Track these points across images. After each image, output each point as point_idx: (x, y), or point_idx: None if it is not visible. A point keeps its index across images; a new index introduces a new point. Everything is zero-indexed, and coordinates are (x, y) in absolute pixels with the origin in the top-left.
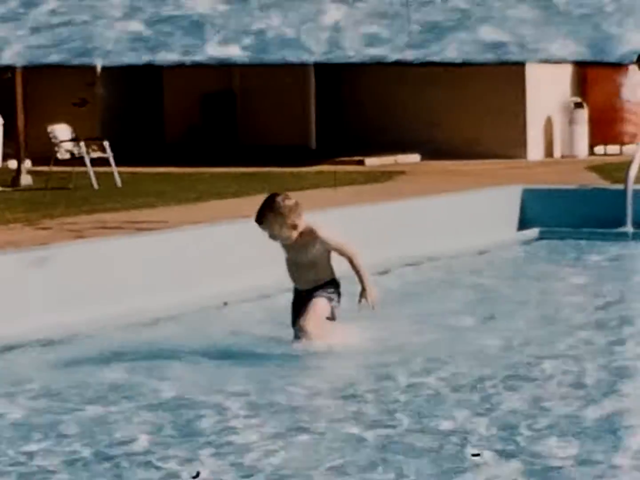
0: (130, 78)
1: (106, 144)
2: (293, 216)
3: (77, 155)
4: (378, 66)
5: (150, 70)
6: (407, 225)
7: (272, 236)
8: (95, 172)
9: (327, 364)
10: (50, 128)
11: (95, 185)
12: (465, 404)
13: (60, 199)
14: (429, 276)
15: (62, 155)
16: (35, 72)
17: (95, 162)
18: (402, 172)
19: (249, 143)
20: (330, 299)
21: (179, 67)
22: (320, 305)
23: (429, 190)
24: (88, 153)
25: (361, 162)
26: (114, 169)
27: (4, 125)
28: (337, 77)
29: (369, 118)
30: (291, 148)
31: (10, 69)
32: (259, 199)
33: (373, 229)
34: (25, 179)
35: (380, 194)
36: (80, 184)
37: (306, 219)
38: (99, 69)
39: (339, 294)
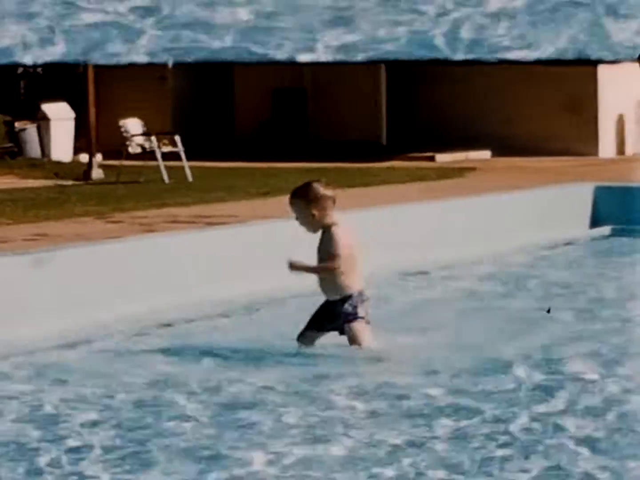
0: (201, 73)
1: (177, 138)
2: (315, 206)
3: (148, 150)
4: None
5: (221, 65)
6: (479, 222)
7: (297, 220)
8: (166, 167)
9: None
10: (121, 122)
11: (166, 180)
12: None
13: (131, 192)
14: (502, 271)
15: (134, 149)
16: (107, 67)
17: (166, 156)
18: (473, 169)
19: (320, 138)
20: (356, 317)
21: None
22: (358, 334)
23: (500, 186)
24: (159, 147)
25: (432, 158)
26: (185, 163)
27: (76, 120)
28: (408, 72)
29: (440, 114)
30: (362, 143)
31: (82, 64)
32: None
33: (442, 225)
34: (97, 173)
35: (451, 190)
36: (151, 178)
37: (337, 217)
38: (170, 63)
39: (362, 302)
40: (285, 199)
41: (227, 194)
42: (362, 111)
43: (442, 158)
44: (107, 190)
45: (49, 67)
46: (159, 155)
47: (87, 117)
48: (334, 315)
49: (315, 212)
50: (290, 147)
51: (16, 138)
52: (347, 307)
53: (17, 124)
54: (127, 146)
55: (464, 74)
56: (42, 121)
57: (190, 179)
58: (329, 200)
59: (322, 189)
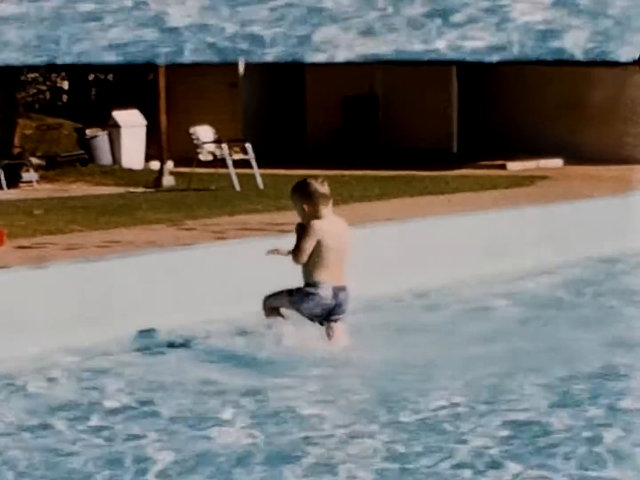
0: (272, 80)
1: (248, 145)
2: (308, 201)
3: (219, 157)
4: (522, 69)
5: (292, 72)
6: (552, 230)
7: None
8: (237, 174)
9: None
10: (192, 129)
11: (237, 187)
12: None
13: (202, 200)
14: (580, 278)
15: (205, 156)
16: (178, 74)
17: (237, 163)
18: (545, 177)
19: (391, 146)
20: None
21: (322, 67)
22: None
23: (572, 195)
24: (230, 155)
25: (503, 167)
26: (256, 170)
27: (147, 127)
28: (480, 79)
29: (511, 121)
30: (433, 151)
31: (152, 70)
32: (400, 202)
33: (515, 233)
34: (168, 180)
35: (523, 198)
36: (222, 186)
37: (328, 213)
38: (241, 70)
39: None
40: (358, 206)
41: None
42: (432, 119)
43: (513, 166)
44: (178, 198)
45: (119, 74)
46: (230, 163)
47: (158, 124)
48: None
49: (306, 206)
50: (361, 155)
51: (87, 145)
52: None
53: (88, 131)
54: (198, 153)
55: (536, 79)
56: (113, 128)
57: (261, 186)
58: (321, 197)
59: (316, 186)
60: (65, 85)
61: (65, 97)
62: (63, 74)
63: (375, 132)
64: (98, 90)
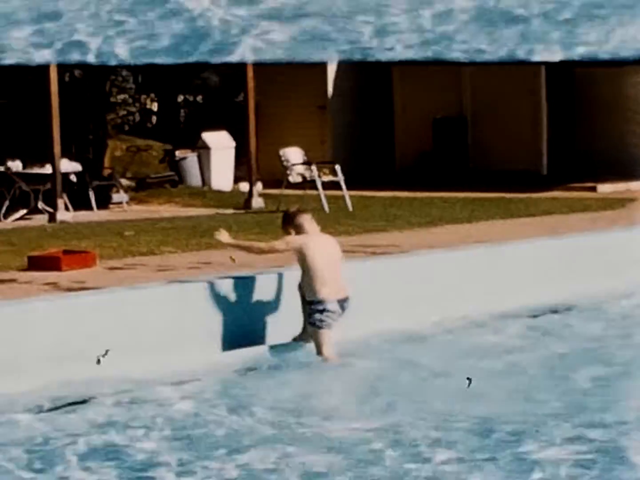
0: (361, 102)
1: (337, 167)
2: (289, 228)
3: (308, 179)
4: (611, 90)
5: (381, 95)
6: None
7: None
8: (326, 196)
9: None
10: (282, 151)
11: (327, 209)
12: None
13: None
14: None
15: (294, 178)
16: (267, 96)
17: (326, 185)
18: (636, 199)
19: (480, 168)
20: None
21: (411, 90)
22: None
23: None
24: (319, 176)
25: (593, 189)
26: (345, 192)
27: (236, 148)
28: (569, 102)
29: (601, 143)
30: (522, 173)
31: (242, 91)
32: (490, 225)
33: (608, 256)
34: (257, 202)
35: (614, 221)
36: (312, 207)
37: (312, 231)
38: (329, 92)
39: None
40: (448, 228)
41: (388, 224)
42: (522, 140)
43: (603, 188)
44: (268, 219)
45: (208, 96)
46: (319, 185)
47: (248, 146)
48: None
49: (291, 230)
50: (450, 177)
51: (177, 167)
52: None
53: (177, 153)
54: (287, 175)
55: (625, 101)
56: (203, 150)
57: (350, 208)
58: (302, 220)
59: (292, 212)
60: (155, 106)
61: (154, 119)
62: (152, 95)
63: (464, 154)
64: (187, 111)
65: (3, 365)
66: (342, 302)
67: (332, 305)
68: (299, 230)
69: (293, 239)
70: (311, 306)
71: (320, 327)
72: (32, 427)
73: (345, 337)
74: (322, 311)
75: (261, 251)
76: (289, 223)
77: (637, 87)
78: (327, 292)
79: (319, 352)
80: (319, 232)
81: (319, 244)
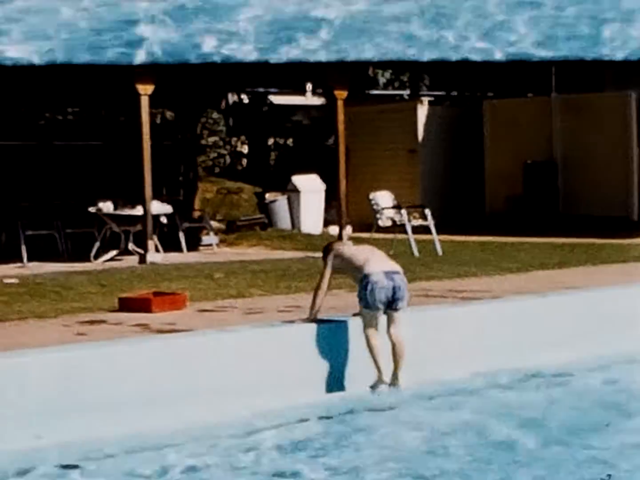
0: (452, 146)
1: (427, 211)
2: (325, 256)
3: (398, 223)
4: None
5: (472, 139)
6: None
7: None
8: (415, 240)
9: None
10: (372, 195)
11: (416, 253)
12: None
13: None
14: None
15: (384, 222)
16: (357, 140)
17: (416, 229)
18: None
19: (570, 213)
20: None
21: (502, 134)
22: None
23: None
24: (409, 220)
25: None
26: (435, 236)
27: (326, 191)
28: None
29: None
30: (613, 219)
31: (332, 134)
32: (581, 270)
33: None
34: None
35: None
36: (401, 251)
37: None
38: (420, 137)
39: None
40: (538, 274)
41: (478, 269)
42: (612, 186)
43: None
44: None
45: (299, 139)
46: (409, 229)
47: (337, 189)
48: None
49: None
50: (540, 222)
51: (266, 209)
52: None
53: (267, 195)
54: (377, 219)
55: None
56: (292, 193)
57: (440, 252)
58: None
59: (331, 244)
60: (245, 149)
61: (245, 161)
62: (243, 137)
63: (555, 199)
64: (278, 154)
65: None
66: (391, 274)
67: (378, 276)
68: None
69: (328, 257)
70: (360, 285)
71: (368, 305)
72: None
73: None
74: (367, 284)
75: (319, 287)
76: (327, 253)
77: None
78: (371, 265)
79: (365, 334)
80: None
81: (351, 246)
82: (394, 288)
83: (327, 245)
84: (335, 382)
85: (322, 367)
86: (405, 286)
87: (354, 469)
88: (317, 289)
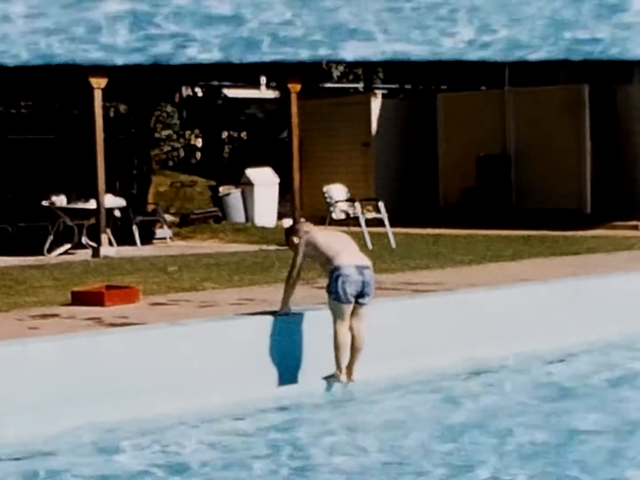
0: (405, 139)
1: (381, 204)
2: (292, 235)
3: (351, 216)
4: None
5: (425, 131)
6: None
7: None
8: (369, 233)
9: None
10: (325, 188)
11: (370, 246)
12: None
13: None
14: None
15: (337, 215)
16: (311, 133)
17: (369, 222)
18: None
19: (524, 206)
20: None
21: (455, 127)
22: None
23: None
24: (363, 213)
25: (636, 227)
26: (388, 229)
27: (280, 185)
28: (613, 140)
29: None
30: (565, 212)
31: (286, 127)
32: (534, 263)
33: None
34: None
35: None
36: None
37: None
38: (373, 130)
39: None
40: (491, 266)
41: (432, 261)
42: (565, 179)
43: None
44: None
45: (252, 132)
46: (362, 222)
47: (291, 182)
48: None
49: (294, 238)
50: (494, 215)
51: (220, 203)
52: None
53: (221, 189)
54: (331, 212)
55: None
56: (246, 186)
57: (393, 245)
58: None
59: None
60: (199, 142)
61: (198, 155)
62: (197, 131)
63: (508, 192)
64: (232, 147)
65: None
66: (361, 269)
67: (349, 269)
68: (299, 235)
69: (298, 241)
70: (330, 277)
71: (338, 298)
72: None
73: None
74: (338, 277)
75: (290, 277)
76: (291, 233)
77: None
78: (343, 258)
79: (334, 329)
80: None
81: (321, 231)
82: (363, 283)
83: (290, 228)
84: (288, 374)
85: (276, 360)
86: (373, 281)
87: (305, 458)
88: (288, 279)
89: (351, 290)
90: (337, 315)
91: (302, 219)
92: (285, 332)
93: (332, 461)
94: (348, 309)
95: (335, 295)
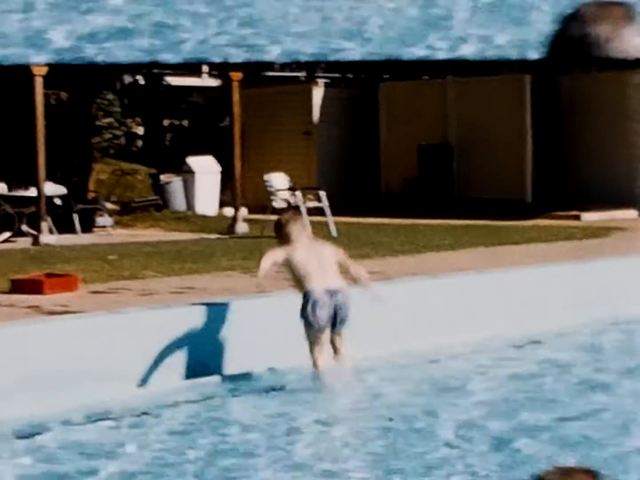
0: (347, 128)
1: (322, 193)
2: (276, 234)
3: (293, 204)
4: (601, 118)
5: (367, 121)
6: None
7: None
8: (310, 222)
9: None
10: (267, 177)
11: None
12: None
13: (275, 247)
14: None
15: (278, 204)
16: (253, 121)
17: (310, 211)
18: (620, 228)
19: (465, 195)
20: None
21: (398, 116)
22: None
23: None
24: (304, 202)
25: (577, 217)
26: (330, 218)
27: (221, 173)
28: (555, 130)
29: (586, 172)
30: (507, 201)
31: (227, 115)
32: (474, 252)
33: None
34: (241, 227)
35: (597, 250)
36: None
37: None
38: (315, 119)
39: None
40: (432, 256)
41: (372, 250)
42: (507, 169)
43: (588, 217)
44: (252, 245)
45: (194, 120)
46: (303, 211)
47: (233, 171)
48: None
49: (280, 239)
50: (435, 204)
51: (161, 191)
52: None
53: (162, 177)
54: (272, 201)
55: (611, 130)
56: (188, 174)
57: (334, 234)
58: (291, 230)
59: (284, 223)
60: (140, 130)
61: (140, 143)
62: (138, 119)
63: (450, 182)
64: (173, 135)
65: None
66: (333, 293)
67: (319, 294)
68: (286, 239)
69: (273, 253)
70: (302, 301)
71: (310, 324)
72: None
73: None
74: (308, 301)
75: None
76: (277, 231)
77: (620, 118)
78: (314, 282)
79: (311, 358)
80: (307, 240)
81: (303, 248)
82: (335, 307)
83: (279, 224)
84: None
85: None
86: (348, 305)
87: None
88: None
89: (323, 315)
90: (311, 342)
91: (289, 217)
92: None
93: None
94: (323, 335)
95: (306, 322)
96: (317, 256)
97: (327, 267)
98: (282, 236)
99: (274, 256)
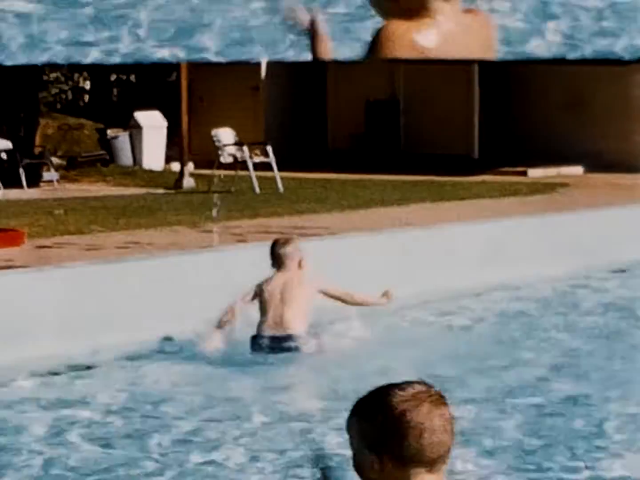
0: (294, 83)
1: (269, 148)
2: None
3: (240, 159)
4: (547, 77)
5: (314, 76)
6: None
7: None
8: (257, 177)
9: None
10: (214, 132)
11: (257, 190)
12: None
13: (222, 202)
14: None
15: (225, 159)
16: (200, 76)
17: (257, 166)
18: (566, 184)
19: (412, 151)
20: None
21: (345, 72)
22: None
23: (592, 203)
24: (251, 157)
25: (524, 173)
26: (276, 173)
27: (168, 128)
28: (502, 87)
29: (533, 128)
30: (454, 157)
31: (175, 70)
32: (421, 208)
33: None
34: (188, 182)
35: (543, 206)
36: (242, 188)
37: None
38: (263, 72)
39: None
40: (378, 211)
41: (319, 205)
42: (454, 125)
43: (534, 173)
44: (199, 200)
45: (141, 75)
46: (250, 166)
47: (180, 126)
48: None
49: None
50: (382, 160)
51: (108, 145)
52: None
53: (109, 132)
54: (219, 156)
55: (558, 87)
56: (134, 129)
57: (281, 189)
58: (277, 258)
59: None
60: (87, 85)
61: (87, 97)
62: (85, 74)
63: (397, 137)
64: (120, 90)
65: None
66: (280, 340)
67: (261, 339)
68: (275, 262)
69: (246, 293)
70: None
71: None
72: None
73: None
74: (252, 346)
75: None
76: (271, 253)
77: (568, 76)
78: (263, 324)
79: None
80: (290, 270)
81: (277, 281)
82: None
83: (274, 245)
84: None
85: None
86: (294, 344)
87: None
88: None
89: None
90: None
91: (285, 240)
92: None
93: None
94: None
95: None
96: (282, 294)
97: (290, 306)
98: (272, 257)
99: (244, 298)
